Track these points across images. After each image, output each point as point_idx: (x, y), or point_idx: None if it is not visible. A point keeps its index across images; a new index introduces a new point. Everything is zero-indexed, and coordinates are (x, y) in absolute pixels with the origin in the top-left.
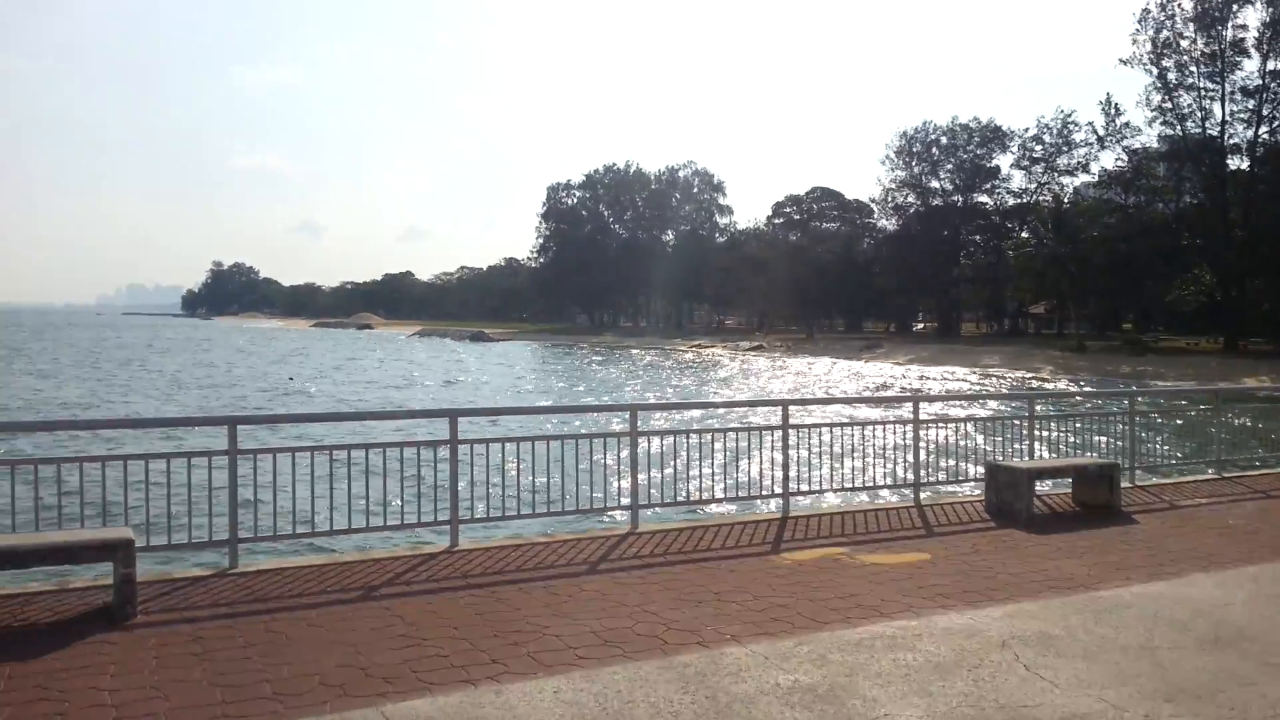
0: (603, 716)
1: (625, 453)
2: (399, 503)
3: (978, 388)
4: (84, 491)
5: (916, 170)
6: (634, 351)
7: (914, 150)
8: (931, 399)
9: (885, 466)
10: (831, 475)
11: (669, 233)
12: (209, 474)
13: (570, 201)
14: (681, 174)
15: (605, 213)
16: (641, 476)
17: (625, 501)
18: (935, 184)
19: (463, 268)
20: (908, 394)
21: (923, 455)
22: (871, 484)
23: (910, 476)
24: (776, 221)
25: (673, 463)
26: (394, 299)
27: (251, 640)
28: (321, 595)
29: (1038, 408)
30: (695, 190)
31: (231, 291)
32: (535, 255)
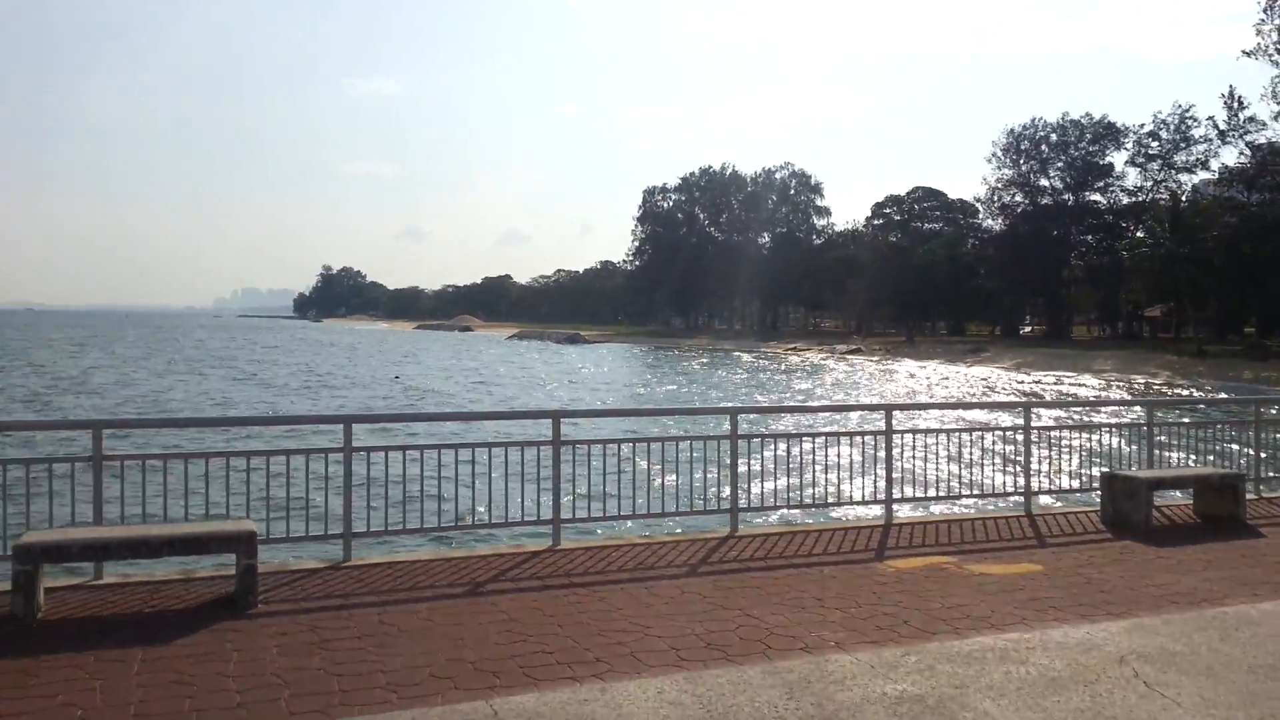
0: (705, 718)
1: (725, 455)
2: (503, 501)
3: (1091, 393)
4: (209, 485)
5: (1024, 168)
6: (740, 355)
7: (1022, 148)
8: (1044, 405)
9: (994, 474)
10: (937, 482)
11: (764, 235)
12: (325, 470)
13: (666, 205)
14: (778, 175)
15: (700, 215)
16: (741, 480)
17: (725, 505)
18: (1044, 182)
19: (559, 271)
20: (1019, 399)
21: (1034, 463)
22: (979, 492)
23: (1020, 484)
24: (876, 222)
25: (773, 467)
26: (493, 301)
27: (365, 631)
28: (430, 590)
29: (1156, 414)
30: (792, 192)
31: (340, 294)
32: (630, 258)
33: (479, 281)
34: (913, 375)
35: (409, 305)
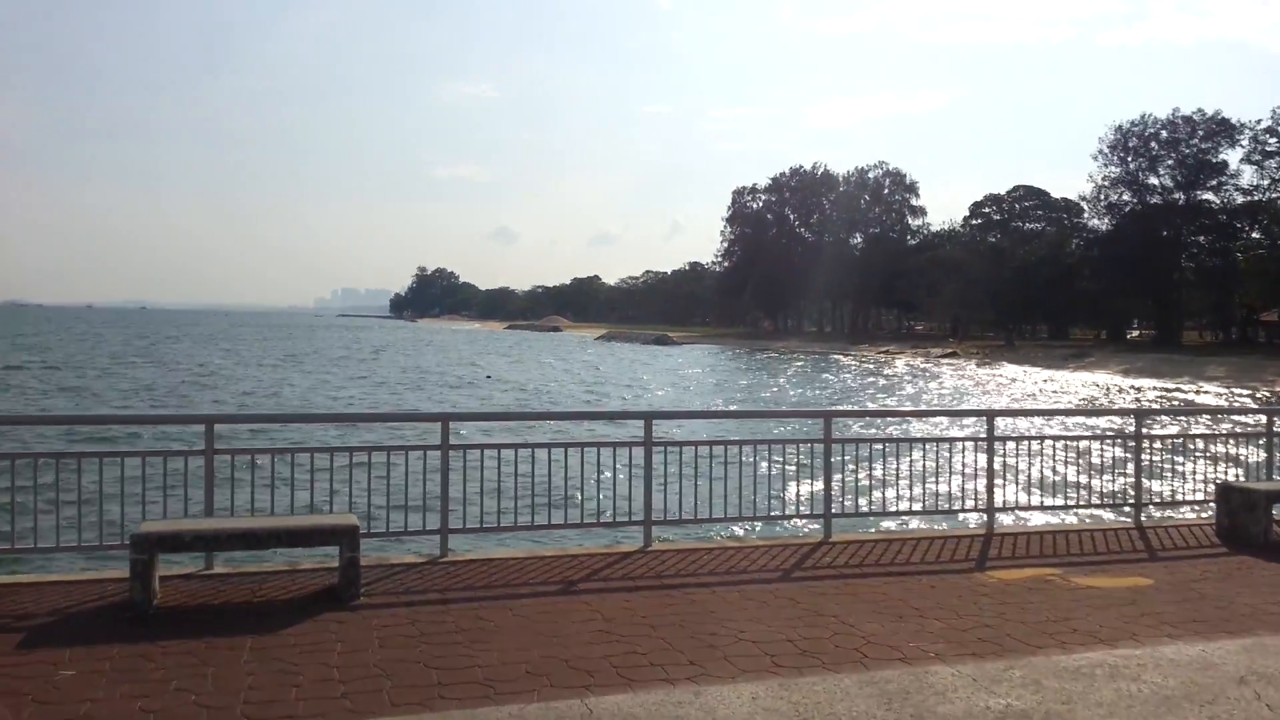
0: None
1: (819, 460)
2: (596, 501)
3: (1204, 401)
4: (314, 479)
5: (1133, 166)
6: (832, 358)
7: (1130, 145)
8: (1155, 412)
9: (1102, 484)
10: (1041, 492)
11: (856, 235)
12: (424, 466)
13: (755, 205)
14: (871, 175)
15: (791, 216)
16: (835, 485)
17: (818, 510)
18: (1154, 180)
19: (647, 272)
20: (1129, 407)
21: (1145, 473)
22: (1086, 502)
23: (1130, 495)
24: (974, 222)
25: (868, 472)
26: (581, 302)
27: (463, 626)
28: (524, 587)
29: (1276, 423)
30: (885, 191)
31: (434, 295)
32: (719, 259)
33: (568, 282)
34: (1013, 380)
35: (500, 305)
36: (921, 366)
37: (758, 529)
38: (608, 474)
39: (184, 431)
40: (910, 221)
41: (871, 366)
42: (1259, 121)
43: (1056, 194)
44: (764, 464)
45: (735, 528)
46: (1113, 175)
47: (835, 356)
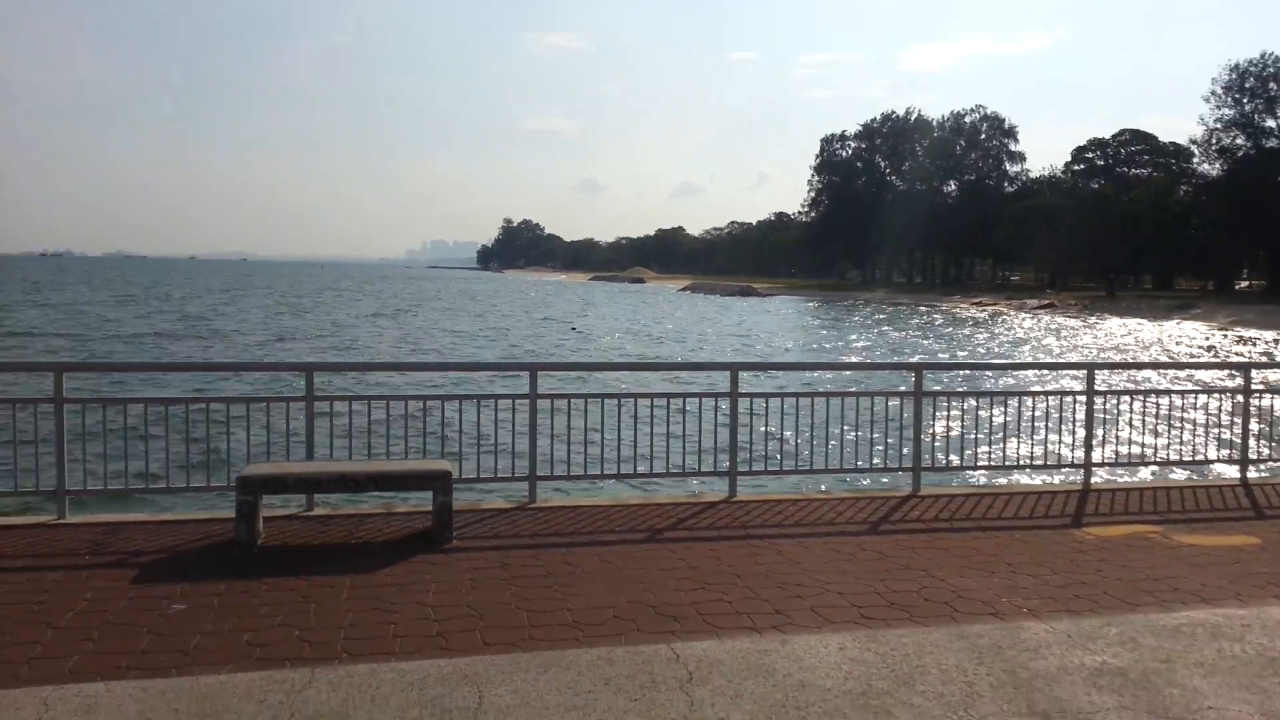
0: (890, 677)
1: (908, 412)
2: (681, 451)
3: None
4: (409, 426)
5: (1248, 108)
6: (922, 310)
7: (1246, 85)
8: (1265, 365)
9: (1206, 440)
10: (1143, 447)
11: (951, 183)
12: (512, 415)
13: (845, 153)
14: (968, 120)
15: (882, 164)
16: (925, 438)
17: (907, 463)
18: (1271, 123)
19: (732, 223)
20: (1236, 360)
21: (1252, 428)
22: (1190, 458)
23: (1237, 453)
24: (1076, 168)
25: (959, 426)
26: (666, 254)
27: (551, 570)
28: (611, 533)
29: None
30: (982, 136)
31: (519, 246)
32: (806, 209)
33: (652, 234)
34: (1113, 333)
35: (584, 257)
36: (1017, 318)
37: (846, 482)
38: (693, 424)
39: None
40: (1008, 168)
41: (964, 318)
42: None
43: (1165, 138)
44: (851, 417)
45: (822, 480)
46: (1226, 118)
47: (925, 308)
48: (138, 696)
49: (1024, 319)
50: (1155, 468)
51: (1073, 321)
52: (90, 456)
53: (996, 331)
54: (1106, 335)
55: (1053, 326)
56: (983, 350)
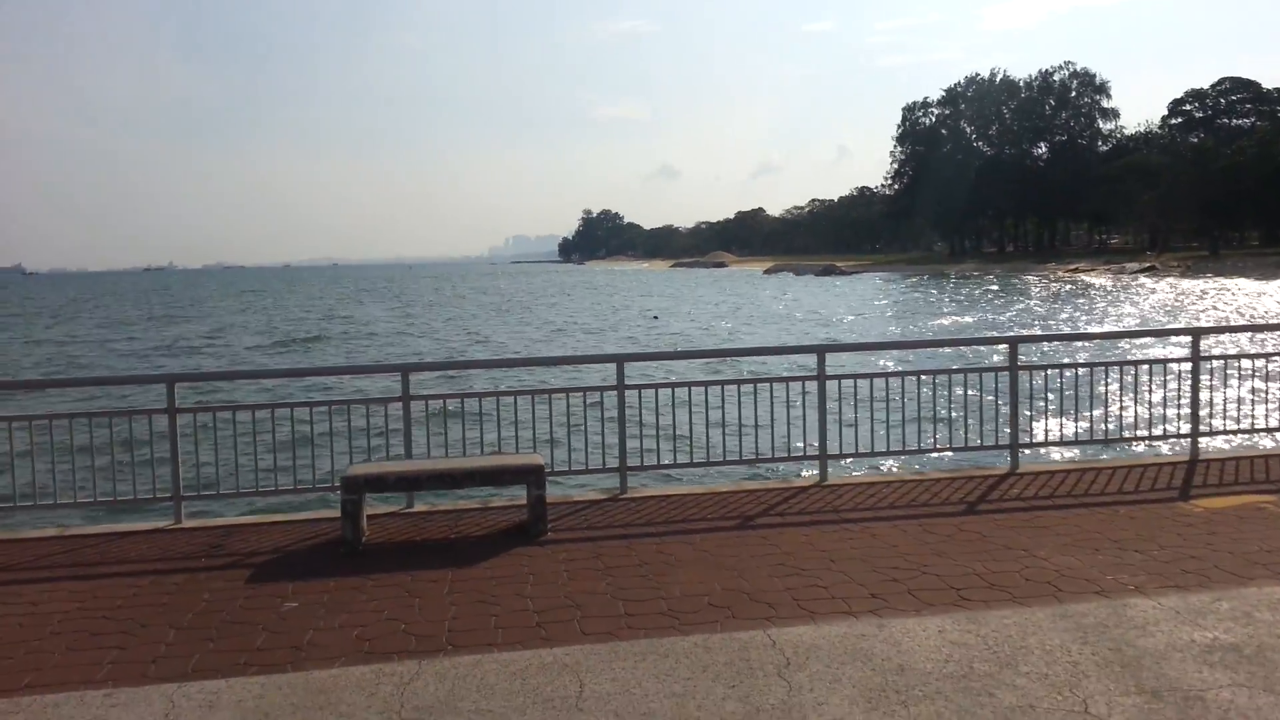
0: (992, 660)
1: (1003, 388)
2: (770, 436)
3: None
4: (500, 421)
5: None
6: (1015, 281)
7: None
8: None
9: None
10: (1253, 413)
11: (1041, 145)
12: (601, 407)
13: (928, 121)
14: (1056, 78)
15: (967, 129)
16: (1023, 414)
17: (1004, 440)
18: None
19: (813, 200)
20: None
21: None
22: None
23: None
24: (1174, 122)
25: (1058, 400)
26: (746, 236)
27: (645, 560)
28: (702, 522)
29: None
30: (1073, 94)
31: (600, 237)
32: (889, 182)
33: (732, 216)
34: (1221, 294)
35: (664, 244)
36: (1116, 283)
37: (940, 462)
38: (782, 409)
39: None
40: (1101, 126)
41: (1060, 286)
42: None
43: (1269, 85)
44: (944, 395)
45: (915, 461)
46: None
47: (1019, 277)
48: (256, 692)
49: (1124, 282)
50: (1266, 435)
51: (1178, 283)
52: (203, 460)
53: (1094, 297)
54: (1213, 297)
55: (1156, 289)
56: (1080, 320)
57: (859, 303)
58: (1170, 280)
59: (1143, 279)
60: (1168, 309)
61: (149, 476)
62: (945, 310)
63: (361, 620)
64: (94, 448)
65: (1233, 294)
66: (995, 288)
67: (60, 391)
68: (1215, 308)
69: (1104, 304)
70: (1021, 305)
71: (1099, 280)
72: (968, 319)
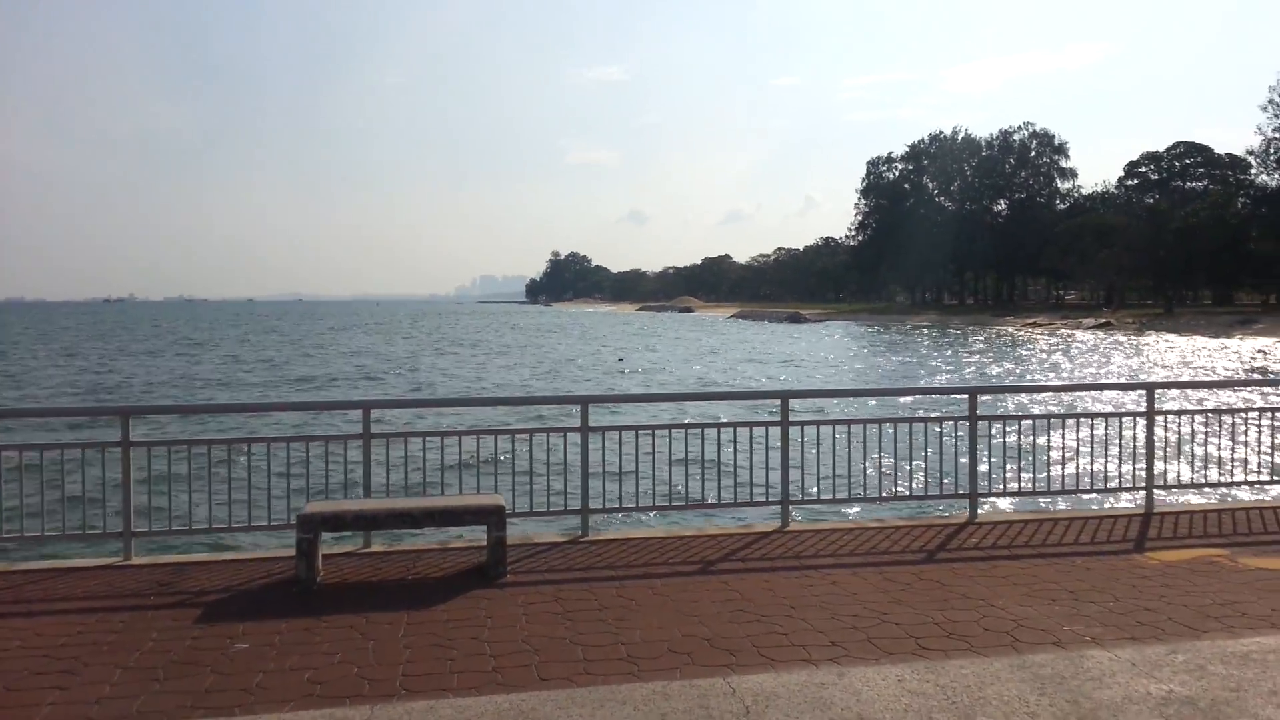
0: (950, 710)
1: (963, 440)
2: (733, 481)
3: None
4: (462, 461)
5: None
6: (974, 332)
7: None
8: None
9: (1273, 460)
10: (1205, 468)
11: (1001, 202)
12: (565, 448)
13: (892, 175)
14: (1017, 137)
15: (930, 185)
16: (982, 463)
17: (963, 489)
18: None
19: (779, 249)
20: None
21: None
22: (1255, 479)
23: None
24: (1130, 183)
25: (1017, 450)
26: (713, 282)
27: (605, 604)
28: (664, 565)
29: None
30: (1032, 154)
31: (567, 279)
32: (853, 233)
33: (699, 262)
34: (1174, 351)
35: (632, 288)
36: (1072, 338)
37: (900, 510)
38: (744, 454)
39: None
40: (1059, 185)
41: (1017, 340)
42: None
43: (1220, 150)
44: (905, 443)
45: (875, 508)
46: None
47: (977, 330)
48: None
49: (1080, 338)
50: (1220, 489)
51: (1131, 340)
52: (156, 495)
53: (1051, 352)
54: (1167, 353)
55: (1111, 345)
56: (1037, 373)
57: (829, 349)
58: (1125, 336)
59: (1099, 333)
60: (1122, 363)
61: (100, 511)
62: (907, 360)
63: (313, 663)
64: (44, 480)
65: (1185, 350)
66: (959, 338)
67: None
68: (1166, 364)
69: (1061, 356)
70: (981, 357)
71: (1057, 333)
72: (930, 369)
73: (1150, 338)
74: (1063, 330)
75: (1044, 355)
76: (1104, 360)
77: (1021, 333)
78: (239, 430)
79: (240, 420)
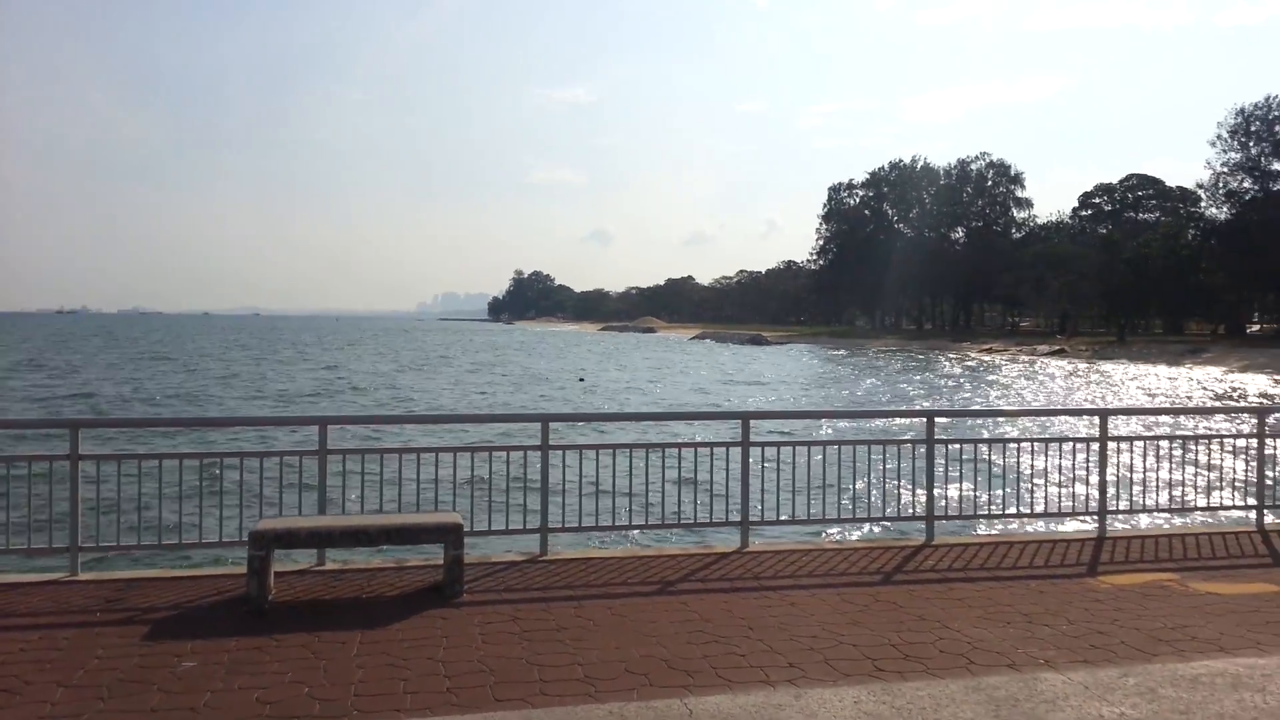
0: None
1: (921, 463)
2: (693, 502)
3: None
4: (420, 480)
5: (1255, 152)
6: (934, 357)
7: (1252, 129)
8: (1278, 410)
9: (1221, 486)
10: (1157, 494)
11: (958, 229)
12: (525, 466)
13: (852, 201)
14: (974, 167)
15: (889, 211)
16: (938, 487)
17: (920, 512)
18: (1278, 166)
19: (741, 271)
20: (1250, 405)
21: (1270, 474)
22: (1205, 505)
23: (1253, 499)
24: (1084, 214)
25: (973, 474)
26: (675, 302)
27: (563, 624)
28: (622, 586)
29: None
30: (989, 183)
31: (530, 298)
32: (814, 257)
33: (662, 283)
34: (1127, 378)
35: (595, 307)
36: (1027, 364)
37: (858, 532)
38: (705, 475)
39: (296, 433)
40: (1015, 214)
41: (974, 365)
42: None
43: (1172, 183)
44: (864, 465)
45: (834, 530)
46: (1233, 161)
47: (936, 355)
48: None
49: (1034, 364)
50: (1171, 515)
51: (1084, 367)
52: (104, 509)
53: (1006, 377)
54: (1119, 381)
55: (1064, 372)
56: (998, 399)
57: (785, 373)
58: (1079, 362)
59: (1052, 361)
60: (1075, 390)
61: (45, 525)
62: (866, 383)
63: (263, 682)
64: None
65: (1136, 378)
66: (917, 363)
67: None
68: (1125, 390)
69: (1016, 382)
70: (938, 381)
71: (1012, 360)
72: (889, 392)
73: (1101, 365)
74: (1023, 357)
75: (999, 381)
76: (1057, 386)
77: (985, 358)
78: (193, 445)
79: (197, 434)
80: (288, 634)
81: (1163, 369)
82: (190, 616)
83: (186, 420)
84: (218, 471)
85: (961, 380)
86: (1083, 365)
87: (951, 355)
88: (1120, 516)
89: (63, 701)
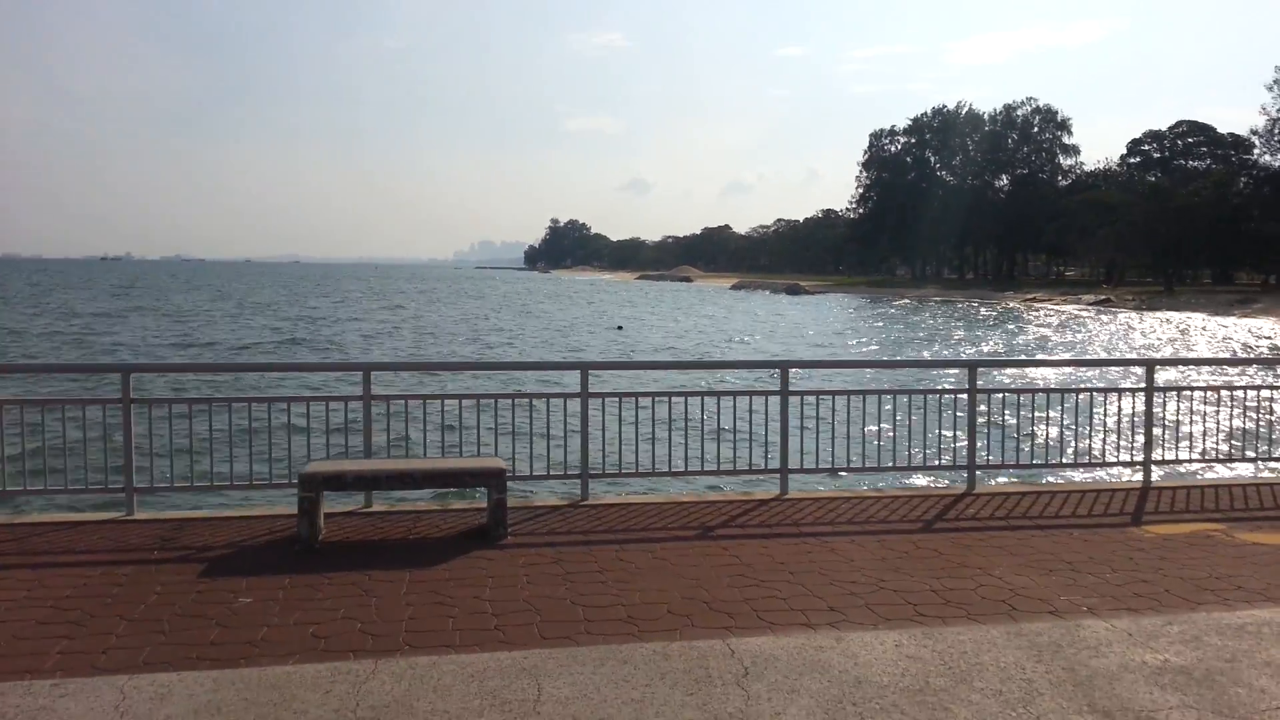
0: (948, 675)
1: (962, 410)
2: (732, 449)
3: None
4: (463, 425)
5: None
6: (974, 306)
7: None
8: None
9: (1271, 436)
10: (1204, 444)
11: (1003, 177)
12: (564, 412)
13: (894, 148)
14: (1019, 113)
15: (931, 159)
16: (980, 437)
17: (962, 460)
18: None
19: (779, 220)
20: None
21: None
22: (1254, 455)
23: None
24: (1132, 161)
25: (1015, 423)
26: (712, 252)
27: (605, 566)
28: (662, 530)
29: None
30: (1035, 129)
31: (566, 246)
32: (854, 206)
33: (699, 232)
34: (1172, 327)
35: (631, 256)
36: (1073, 313)
37: (899, 480)
38: (744, 422)
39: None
40: (1062, 161)
41: (1017, 314)
42: None
43: (1224, 129)
44: (903, 415)
45: (874, 478)
46: None
47: (978, 304)
48: (209, 686)
49: (1080, 313)
50: (1217, 465)
51: (1131, 316)
52: (158, 453)
53: (1050, 326)
54: (1166, 330)
55: (1110, 321)
56: (1041, 348)
57: (822, 324)
58: (1126, 311)
59: (1098, 309)
60: (1121, 339)
61: (102, 466)
62: (906, 332)
63: (316, 618)
64: (45, 436)
65: (1185, 328)
66: (958, 312)
67: (15, 378)
68: (1162, 340)
69: (1061, 332)
70: (980, 330)
71: (1057, 309)
72: (930, 341)
73: (1149, 315)
74: (1068, 306)
75: (1043, 330)
76: (1103, 335)
77: (1023, 307)
78: (241, 391)
79: (253, 379)
80: (338, 572)
81: (1211, 319)
82: (244, 555)
83: (235, 366)
84: (266, 415)
85: (1002, 330)
86: (1129, 315)
87: (994, 305)
88: (1165, 466)
89: (125, 634)
